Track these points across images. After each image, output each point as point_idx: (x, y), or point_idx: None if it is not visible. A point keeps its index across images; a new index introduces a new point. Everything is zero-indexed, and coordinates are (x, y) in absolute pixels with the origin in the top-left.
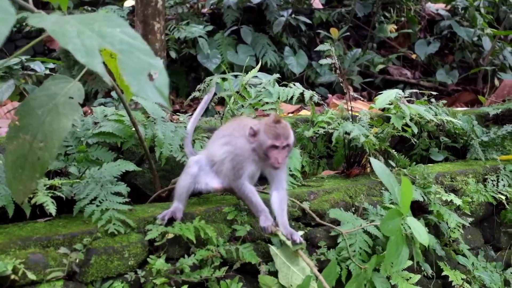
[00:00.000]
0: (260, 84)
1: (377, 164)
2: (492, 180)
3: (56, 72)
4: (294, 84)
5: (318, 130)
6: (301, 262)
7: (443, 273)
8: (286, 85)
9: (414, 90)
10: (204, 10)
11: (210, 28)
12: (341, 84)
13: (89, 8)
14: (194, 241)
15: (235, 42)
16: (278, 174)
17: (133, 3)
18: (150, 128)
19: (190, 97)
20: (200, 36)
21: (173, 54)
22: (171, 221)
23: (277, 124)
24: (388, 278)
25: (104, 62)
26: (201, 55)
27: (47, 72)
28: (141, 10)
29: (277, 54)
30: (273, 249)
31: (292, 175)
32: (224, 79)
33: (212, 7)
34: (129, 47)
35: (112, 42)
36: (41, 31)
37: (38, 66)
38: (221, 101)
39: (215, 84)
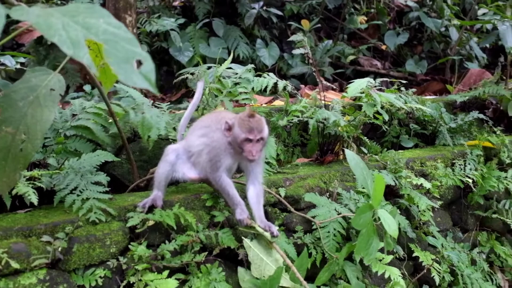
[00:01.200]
0: (236, 74)
1: (351, 156)
2: (459, 165)
3: (26, 67)
4: (268, 74)
5: (292, 119)
6: (274, 253)
7: (414, 254)
8: (260, 76)
9: (385, 79)
10: (175, 3)
11: (181, 21)
12: (314, 73)
13: (59, 2)
14: (175, 227)
15: (207, 34)
16: (255, 168)
17: None
18: (140, 112)
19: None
20: (172, 29)
21: (145, 48)
22: (151, 208)
23: (251, 118)
24: (361, 259)
25: None
26: (173, 48)
27: (18, 66)
28: (112, 3)
29: (249, 46)
30: (246, 242)
31: (267, 163)
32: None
33: (183, 0)
34: (114, 37)
35: (96, 33)
36: (9, 25)
37: (9, 61)
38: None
39: (202, 80)
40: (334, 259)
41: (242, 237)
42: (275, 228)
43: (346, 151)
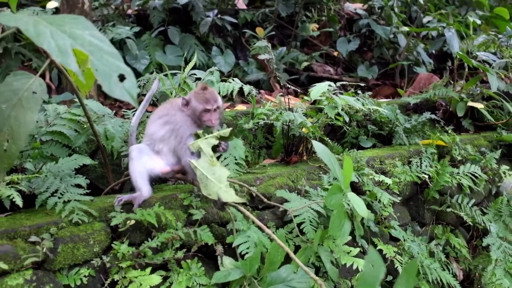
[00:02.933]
0: (199, 78)
1: (318, 146)
2: (416, 162)
3: None
4: (233, 79)
5: (258, 122)
6: (217, 171)
7: (378, 247)
8: (225, 81)
9: (343, 83)
10: (130, 12)
11: (137, 29)
12: (271, 80)
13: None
14: (156, 225)
15: (162, 42)
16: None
17: (56, 4)
18: (101, 123)
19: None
20: (128, 37)
21: None
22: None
23: (205, 91)
24: (332, 252)
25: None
26: (130, 56)
27: None
28: (67, 11)
29: (205, 53)
30: (192, 162)
31: (237, 164)
32: (165, 75)
33: (137, 8)
34: (98, 49)
35: (82, 44)
36: None
37: None
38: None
39: (157, 78)
40: (308, 244)
41: (189, 159)
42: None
43: (314, 141)
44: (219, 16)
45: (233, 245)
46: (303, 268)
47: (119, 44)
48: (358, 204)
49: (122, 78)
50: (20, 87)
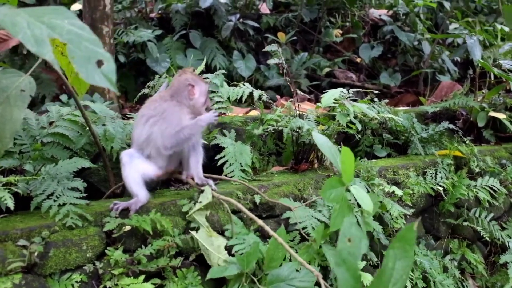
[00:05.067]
0: (208, 79)
1: (318, 136)
2: (431, 173)
3: None
4: (243, 84)
5: (267, 128)
6: (215, 241)
7: None
8: (236, 85)
9: (358, 89)
10: (153, 15)
11: (158, 32)
12: (289, 84)
13: None
14: (151, 232)
15: (184, 46)
16: None
17: (80, 7)
18: (101, 124)
19: (140, 93)
20: (149, 40)
21: (122, 58)
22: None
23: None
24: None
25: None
26: (150, 59)
27: None
28: (89, 14)
29: (226, 58)
30: (194, 235)
31: (243, 171)
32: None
33: (160, 11)
34: (77, 37)
35: (60, 33)
36: None
37: None
38: None
39: (166, 79)
40: (311, 242)
41: (190, 231)
42: (212, 182)
43: (313, 133)
44: (241, 20)
45: (228, 244)
46: (297, 258)
47: (141, 47)
48: (362, 198)
49: (100, 64)
50: (9, 85)
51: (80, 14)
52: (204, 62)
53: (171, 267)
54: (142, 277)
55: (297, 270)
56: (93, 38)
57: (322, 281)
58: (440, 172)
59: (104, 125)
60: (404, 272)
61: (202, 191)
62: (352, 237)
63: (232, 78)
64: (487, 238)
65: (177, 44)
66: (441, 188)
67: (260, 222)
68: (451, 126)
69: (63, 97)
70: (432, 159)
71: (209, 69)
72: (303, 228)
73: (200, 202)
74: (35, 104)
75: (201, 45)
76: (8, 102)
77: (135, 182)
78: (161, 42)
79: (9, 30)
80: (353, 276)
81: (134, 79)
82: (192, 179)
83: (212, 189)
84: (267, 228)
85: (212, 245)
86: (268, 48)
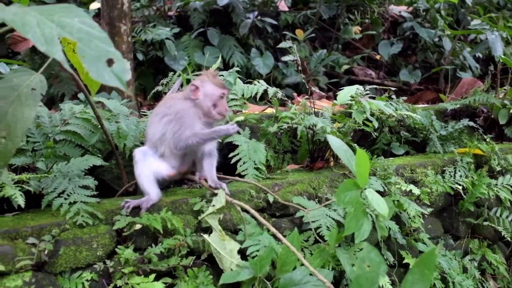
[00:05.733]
0: (222, 77)
1: (332, 139)
2: (450, 172)
3: None
4: (258, 81)
5: (282, 126)
6: (227, 245)
7: (405, 261)
8: (250, 83)
9: (377, 87)
10: (171, 13)
11: (177, 30)
12: (304, 80)
13: None
14: (161, 232)
15: (202, 44)
16: None
17: (99, 5)
18: (114, 122)
19: (154, 90)
20: (167, 38)
21: (140, 56)
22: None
23: (218, 76)
24: (352, 265)
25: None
26: (168, 57)
27: None
28: (107, 12)
29: (244, 55)
30: (206, 238)
31: (257, 168)
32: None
33: (178, 9)
34: (87, 35)
35: (71, 31)
36: (4, 34)
37: (3, 68)
38: None
39: (179, 76)
40: (325, 245)
41: (202, 234)
42: (225, 185)
43: (328, 136)
44: (259, 17)
45: (243, 246)
46: (309, 268)
47: (159, 45)
48: (377, 202)
49: (111, 63)
50: (20, 84)
51: (98, 14)
52: (219, 59)
53: (183, 266)
54: (152, 276)
55: (310, 274)
56: (103, 37)
57: None
58: (459, 171)
59: (117, 122)
60: None
61: (215, 194)
62: (371, 263)
63: (250, 76)
64: (509, 239)
65: (195, 42)
66: (460, 187)
67: (273, 229)
68: (471, 123)
69: (81, 95)
70: (451, 157)
71: (227, 66)
72: (317, 228)
73: (213, 205)
74: (54, 102)
75: (219, 43)
76: (19, 101)
77: (147, 180)
78: (179, 40)
79: (19, 29)
80: None
81: (153, 77)
82: (206, 180)
83: (226, 193)
84: (279, 235)
85: (225, 249)
86: (283, 44)
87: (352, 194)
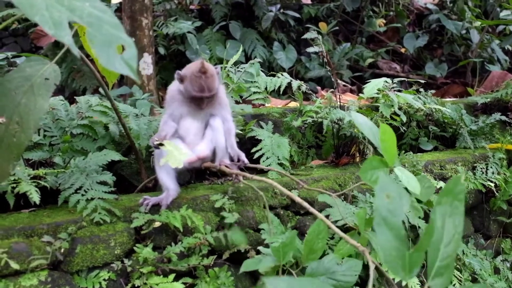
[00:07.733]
0: (243, 69)
1: (357, 116)
2: (481, 168)
3: None
4: (282, 74)
5: (306, 120)
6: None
7: None
8: (274, 75)
9: (402, 79)
10: (192, 6)
11: (198, 24)
12: (329, 73)
13: None
14: (181, 230)
15: (224, 37)
16: (220, 111)
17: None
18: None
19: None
20: (189, 32)
21: (161, 50)
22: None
23: (203, 75)
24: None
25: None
26: (190, 51)
27: None
28: (128, 6)
29: (266, 49)
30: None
31: (280, 164)
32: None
33: (200, 3)
34: (98, 20)
35: (81, 16)
36: (28, 28)
37: None
38: None
39: None
40: (355, 230)
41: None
42: (243, 156)
43: (352, 112)
44: (281, 10)
45: (266, 242)
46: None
47: (181, 39)
48: (409, 181)
49: (121, 49)
50: (33, 73)
51: (120, 8)
52: (240, 51)
53: (203, 266)
54: (172, 276)
55: (338, 264)
56: (114, 22)
57: (367, 256)
58: (491, 167)
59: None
60: (456, 232)
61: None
62: (390, 193)
63: (272, 70)
64: None
65: (217, 35)
66: (492, 184)
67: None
68: (503, 118)
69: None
70: (482, 153)
71: (249, 60)
72: (343, 225)
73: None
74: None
75: (241, 36)
76: (31, 91)
77: (166, 174)
78: (201, 33)
79: (26, 12)
80: (397, 235)
81: (174, 71)
82: (226, 167)
83: (245, 163)
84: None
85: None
86: (307, 35)
87: (379, 173)
